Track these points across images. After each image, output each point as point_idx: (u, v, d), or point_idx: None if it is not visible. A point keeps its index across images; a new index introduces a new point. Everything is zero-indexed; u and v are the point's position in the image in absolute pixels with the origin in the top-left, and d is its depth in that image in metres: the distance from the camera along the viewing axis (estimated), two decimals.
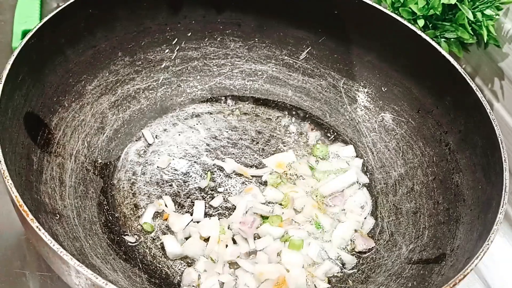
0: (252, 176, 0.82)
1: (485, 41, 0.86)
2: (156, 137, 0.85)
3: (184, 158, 0.83)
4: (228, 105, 0.91)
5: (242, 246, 0.73)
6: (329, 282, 0.72)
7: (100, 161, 0.78)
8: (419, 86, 0.84)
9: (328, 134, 0.89)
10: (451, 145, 0.78)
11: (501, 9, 0.88)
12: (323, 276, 0.72)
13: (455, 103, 0.79)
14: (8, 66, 0.65)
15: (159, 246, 0.72)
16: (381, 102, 0.88)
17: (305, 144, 0.88)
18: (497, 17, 0.87)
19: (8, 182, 0.56)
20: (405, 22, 0.82)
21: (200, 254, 0.72)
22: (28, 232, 0.62)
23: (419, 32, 0.81)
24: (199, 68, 0.92)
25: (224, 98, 0.92)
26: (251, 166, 0.83)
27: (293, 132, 0.89)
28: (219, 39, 0.92)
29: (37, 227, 0.54)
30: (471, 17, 0.84)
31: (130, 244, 0.72)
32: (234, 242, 0.74)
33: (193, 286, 0.69)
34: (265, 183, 0.81)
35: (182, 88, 0.91)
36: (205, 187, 0.79)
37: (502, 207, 0.64)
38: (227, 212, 0.77)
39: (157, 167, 0.81)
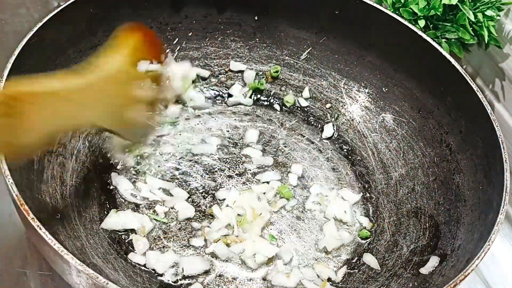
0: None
1: (486, 42, 0.86)
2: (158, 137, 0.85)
3: (185, 158, 0.82)
4: (229, 106, 0.91)
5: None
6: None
7: (101, 160, 0.78)
8: (420, 86, 0.84)
9: None
10: (452, 145, 0.78)
11: (502, 10, 0.88)
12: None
13: (456, 103, 0.79)
14: (9, 66, 0.65)
15: (160, 246, 0.72)
16: (381, 102, 0.88)
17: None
18: (498, 17, 0.87)
19: (9, 181, 0.57)
20: (406, 23, 0.83)
21: None
22: (29, 232, 0.62)
23: (420, 32, 0.81)
24: (200, 68, 0.92)
25: (225, 98, 0.92)
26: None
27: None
28: (220, 39, 0.92)
29: (38, 226, 0.54)
30: (472, 17, 0.84)
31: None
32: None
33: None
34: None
35: None
36: (206, 186, 0.79)
37: (503, 207, 0.64)
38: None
39: (158, 166, 0.81)
